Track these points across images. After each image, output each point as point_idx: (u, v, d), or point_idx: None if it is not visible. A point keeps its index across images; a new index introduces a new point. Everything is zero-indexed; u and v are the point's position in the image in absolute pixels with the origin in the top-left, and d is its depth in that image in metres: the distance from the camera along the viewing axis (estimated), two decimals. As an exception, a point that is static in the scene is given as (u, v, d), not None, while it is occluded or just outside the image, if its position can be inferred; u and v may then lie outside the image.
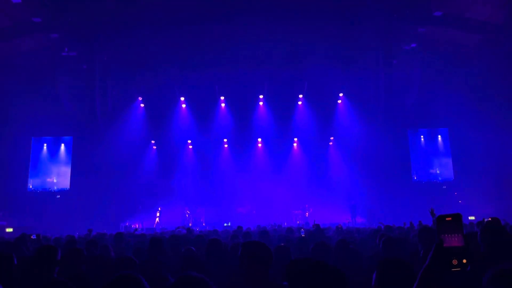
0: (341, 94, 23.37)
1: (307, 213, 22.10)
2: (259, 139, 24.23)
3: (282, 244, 4.76)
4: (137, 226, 20.44)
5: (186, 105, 23.49)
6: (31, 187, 23.25)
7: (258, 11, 18.70)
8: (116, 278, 2.09)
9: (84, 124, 21.66)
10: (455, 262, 1.50)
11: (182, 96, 23.19)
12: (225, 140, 24.18)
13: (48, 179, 23.47)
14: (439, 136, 24.02)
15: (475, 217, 16.48)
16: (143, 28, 18.85)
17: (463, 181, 22.31)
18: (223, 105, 23.60)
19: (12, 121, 21.49)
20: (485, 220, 7.38)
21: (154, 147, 24.04)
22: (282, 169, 24.05)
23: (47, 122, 22.07)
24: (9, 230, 19.35)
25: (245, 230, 10.16)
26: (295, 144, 24.57)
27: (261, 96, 23.44)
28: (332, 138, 24.03)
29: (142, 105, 23.39)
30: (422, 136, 24.01)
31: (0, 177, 21.16)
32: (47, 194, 23.14)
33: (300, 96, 23.44)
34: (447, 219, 1.57)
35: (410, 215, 16.40)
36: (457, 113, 21.50)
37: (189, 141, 24.15)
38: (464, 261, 1.50)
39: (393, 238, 5.12)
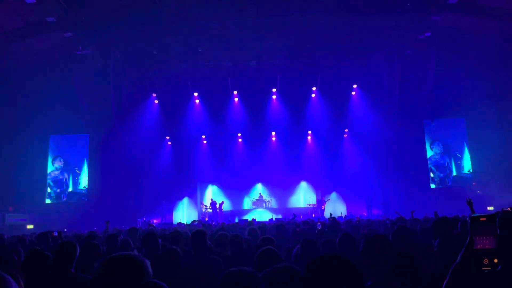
0: (355, 86, 23.16)
1: (323, 206, 22.06)
2: (273, 133, 24.21)
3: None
4: (154, 221, 20.67)
5: (199, 101, 23.58)
6: (50, 184, 23.66)
7: (270, 4, 18.61)
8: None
9: (100, 122, 21.92)
10: (486, 261, 1.51)
11: (195, 92, 23.28)
12: (239, 134, 24.22)
13: (66, 177, 23.85)
14: (456, 126, 23.68)
15: (494, 208, 16.28)
16: (155, 24, 18.93)
17: (482, 171, 22.00)
18: (236, 99, 23.62)
19: (31, 120, 21.86)
20: (504, 210, 7.26)
21: (169, 143, 24.22)
22: (296, 162, 24.04)
23: (64, 121, 22.40)
24: (30, 226, 19.77)
25: (258, 224, 10.21)
26: (309, 137, 24.48)
27: (274, 90, 23.38)
28: (346, 130, 23.87)
29: (156, 101, 23.55)
30: (438, 126, 23.67)
31: (20, 175, 21.56)
32: (65, 191, 23.55)
33: (314, 88, 23.31)
34: (481, 219, 1.56)
35: (427, 206, 16.27)
36: (474, 102, 21.14)
37: (203, 136, 24.26)
38: (496, 260, 1.51)
39: (402, 230, 5.05)
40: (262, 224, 8.60)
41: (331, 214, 11.56)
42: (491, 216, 1.55)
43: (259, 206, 23.54)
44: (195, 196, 24.29)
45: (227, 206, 24.04)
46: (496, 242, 1.52)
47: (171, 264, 3.81)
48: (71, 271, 3.61)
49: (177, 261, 3.88)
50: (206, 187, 24.75)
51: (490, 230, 1.54)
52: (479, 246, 1.53)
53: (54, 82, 21.09)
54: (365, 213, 21.10)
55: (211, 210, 22.62)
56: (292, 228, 7.98)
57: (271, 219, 18.36)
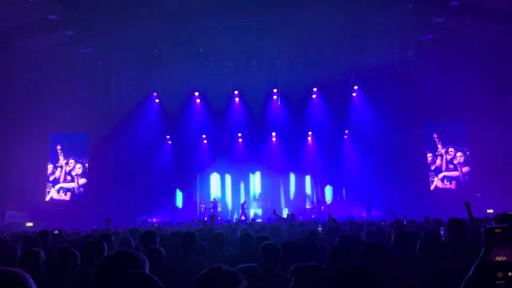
0: (355, 87, 23.15)
1: (322, 207, 22.03)
2: (273, 133, 24.19)
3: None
4: (153, 220, 20.67)
5: (200, 100, 23.55)
6: (50, 182, 23.66)
7: (271, 4, 18.61)
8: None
9: (101, 120, 21.91)
10: (500, 275, 1.47)
11: (196, 91, 23.27)
12: (240, 134, 24.22)
13: (66, 175, 23.85)
14: (457, 128, 23.67)
15: (494, 210, 16.25)
16: (157, 23, 18.94)
17: (481, 174, 21.98)
18: (237, 99, 23.60)
19: (31, 118, 21.86)
20: (508, 213, 7.23)
21: (170, 142, 24.20)
22: (296, 163, 24.05)
23: (64, 119, 22.39)
24: (29, 224, 19.76)
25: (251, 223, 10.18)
26: (309, 138, 24.47)
27: (275, 90, 23.36)
28: (347, 131, 23.85)
29: (157, 100, 23.54)
30: (438, 128, 23.66)
31: (20, 173, 21.57)
32: (65, 189, 23.54)
33: (314, 89, 23.29)
34: (496, 230, 1.51)
35: (427, 208, 16.26)
36: (474, 105, 21.13)
37: (204, 136, 24.25)
38: (510, 274, 1.46)
39: (406, 231, 5.07)
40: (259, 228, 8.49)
41: (330, 215, 11.42)
42: (506, 228, 1.51)
43: (258, 206, 23.52)
44: (194, 195, 24.28)
45: (225, 206, 24.06)
46: (511, 255, 1.48)
47: (153, 263, 3.87)
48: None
49: (160, 260, 3.93)
50: (205, 187, 24.72)
51: (505, 242, 1.49)
52: (493, 259, 1.49)
53: (55, 80, 21.09)
54: (364, 214, 21.08)
55: (211, 210, 22.60)
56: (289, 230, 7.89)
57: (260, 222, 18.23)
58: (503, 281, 1.46)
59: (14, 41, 19.34)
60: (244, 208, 22.23)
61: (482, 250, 1.52)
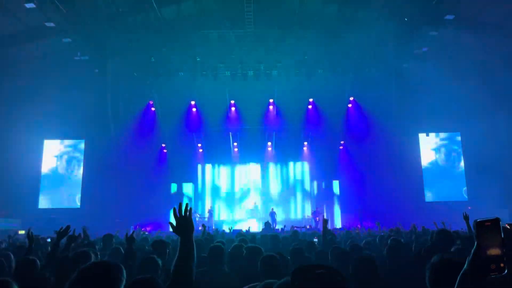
0: (351, 98, 23.27)
1: (317, 218, 21.95)
2: (269, 143, 24.21)
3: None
4: (147, 229, 20.48)
5: (196, 109, 23.56)
6: (43, 189, 23.46)
7: (268, 16, 18.74)
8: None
9: (96, 128, 21.83)
10: (493, 266, 1.49)
11: (192, 100, 23.28)
12: (235, 143, 24.21)
13: (60, 182, 23.67)
14: (451, 140, 23.79)
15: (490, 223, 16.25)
16: (154, 32, 19.00)
17: (476, 186, 22.03)
18: (233, 109, 23.63)
19: (25, 124, 21.72)
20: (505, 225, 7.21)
21: (165, 151, 24.13)
22: (292, 173, 24.04)
23: (59, 126, 22.28)
24: (22, 232, 19.52)
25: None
26: (305, 148, 24.50)
27: (271, 100, 23.42)
28: (342, 142, 23.91)
29: (153, 109, 23.51)
30: (433, 140, 23.77)
31: (13, 179, 21.36)
32: (59, 196, 23.36)
33: (311, 100, 23.38)
34: (486, 223, 1.53)
35: (421, 219, 16.23)
36: (469, 117, 21.26)
37: (199, 145, 24.23)
38: (502, 265, 1.48)
39: (400, 242, 5.06)
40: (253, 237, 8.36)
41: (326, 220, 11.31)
42: (495, 220, 1.54)
43: (253, 216, 23.42)
44: (190, 204, 24.15)
45: (218, 215, 23.95)
46: (501, 246, 1.50)
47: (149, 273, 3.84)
48: None
49: (156, 270, 3.88)
50: (201, 196, 24.62)
51: (494, 234, 1.51)
52: (486, 252, 1.51)
53: (51, 86, 21.00)
54: (359, 225, 21.02)
55: (206, 219, 22.50)
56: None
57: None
58: (497, 273, 1.49)
59: (10, 48, 19.28)
60: (274, 216, 22.00)
61: (475, 244, 1.53)
